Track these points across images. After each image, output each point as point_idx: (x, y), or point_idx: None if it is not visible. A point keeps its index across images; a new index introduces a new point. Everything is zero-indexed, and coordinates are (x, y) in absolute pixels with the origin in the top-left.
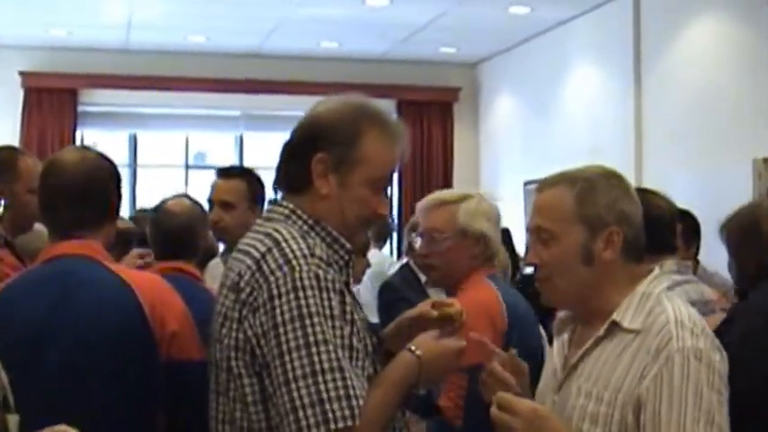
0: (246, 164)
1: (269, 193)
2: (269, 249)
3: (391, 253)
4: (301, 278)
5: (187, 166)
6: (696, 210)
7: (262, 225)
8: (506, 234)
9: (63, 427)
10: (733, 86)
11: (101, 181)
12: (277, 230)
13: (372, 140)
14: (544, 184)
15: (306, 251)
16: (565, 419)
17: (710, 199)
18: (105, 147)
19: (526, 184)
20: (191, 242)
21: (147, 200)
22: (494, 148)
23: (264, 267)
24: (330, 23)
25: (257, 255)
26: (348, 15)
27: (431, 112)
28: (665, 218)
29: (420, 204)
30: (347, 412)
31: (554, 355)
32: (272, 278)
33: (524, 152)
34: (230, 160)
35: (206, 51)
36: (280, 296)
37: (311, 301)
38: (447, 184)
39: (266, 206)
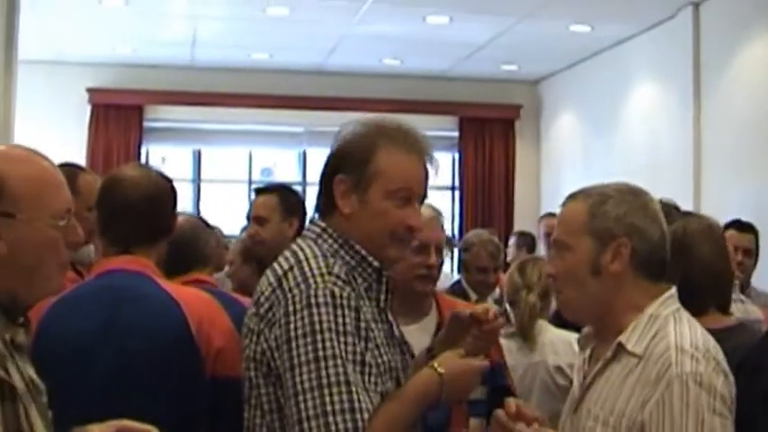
0: (309, 179)
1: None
2: (291, 267)
3: (451, 270)
4: (316, 295)
5: (250, 182)
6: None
7: (296, 243)
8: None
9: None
10: None
11: (160, 200)
12: (302, 249)
13: (386, 154)
14: (567, 199)
15: (324, 269)
16: None
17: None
18: (170, 162)
19: (567, 199)
20: (199, 252)
21: (210, 215)
22: (555, 164)
23: (284, 284)
24: (391, 41)
25: (280, 272)
26: (409, 33)
27: (492, 129)
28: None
29: None
30: (350, 425)
31: (575, 371)
32: (289, 295)
33: (585, 169)
34: (294, 176)
35: (269, 68)
36: (294, 312)
37: (324, 317)
38: (508, 200)
39: (306, 224)
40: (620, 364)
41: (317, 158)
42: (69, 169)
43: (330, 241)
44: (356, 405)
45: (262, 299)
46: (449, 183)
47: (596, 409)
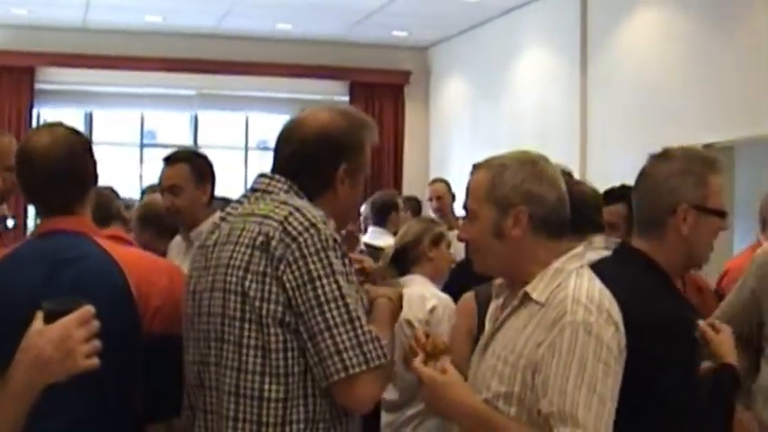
0: (201, 143)
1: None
2: (290, 213)
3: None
4: (327, 239)
5: (142, 145)
6: None
7: (263, 196)
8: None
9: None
10: (676, 74)
11: (78, 157)
12: (291, 199)
13: (368, 145)
14: (473, 169)
15: (324, 218)
16: (481, 376)
17: None
18: None
19: (474, 167)
20: (114, 209)
21: (103, 177)
22: (443, 130)
23: (290, 229)
24: (285, 5)
25: (279, 218)
26: None
27: (382, 95)
28: (587, 199)
29: None
30: (380, 352)
31: (488, 317)
32: (300, 238)
33: (473, 135)
34: (184, 139)
35: (162, 31)
36: (310, 255)
37: (335, 260)
38: (397, 165)
39: (256, 179)
40: (526, 311)
41: (209, 121)
42: None
43: (296, 197)
44: (376, 334)
45: (273, 242)
46: None
47: (500, 350)
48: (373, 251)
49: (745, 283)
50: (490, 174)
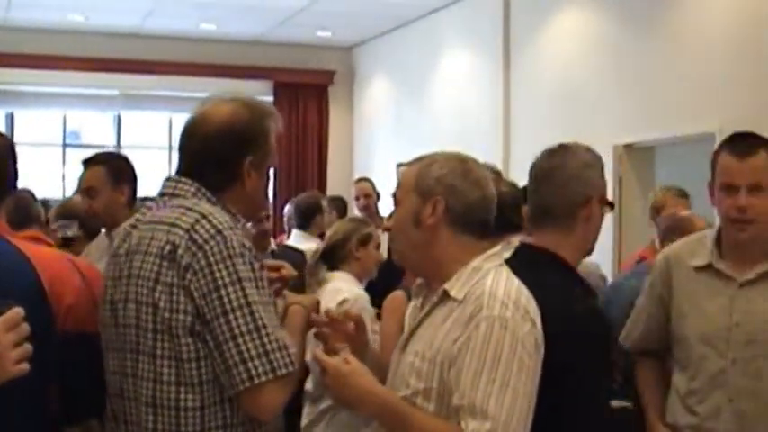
0: (124, 143)
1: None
2: (197, 220)
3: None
4: (233, 246)
5: (64, 145)
6: None
7: (171, 199)
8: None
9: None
10: (597, 75)
11: (2, 159)
12: (197, 205)
13: (272, 135)
14: (407, 163)
15: (231, 223)
16: (400, 374)
17: None
18: None
19: (398, 166)
20: (33, 211)
21: (24, 178)
22: (367, 130)
23: (196, 237)
24: (209, 5)
25: (186, 226)
26: None
27: (306, 95)
28: (505, 199)
29: None
30: (287, 359)
31: (407, 315)
32: (206, 246)
33: (397, 135)
34: (108, 139)
35: (85, 30)
36: (216, 263)
37: (242, 267)
38: (321, 164)
39: (164, 183)
40: (444, 308)
41: (132, 122)
42: None
43: (204, 200)
44: (286, 342)
45: (180, 251)
46: None
47: (419, 347)
48: (293, 253)
49: (654, 291)
50: (419, 166)
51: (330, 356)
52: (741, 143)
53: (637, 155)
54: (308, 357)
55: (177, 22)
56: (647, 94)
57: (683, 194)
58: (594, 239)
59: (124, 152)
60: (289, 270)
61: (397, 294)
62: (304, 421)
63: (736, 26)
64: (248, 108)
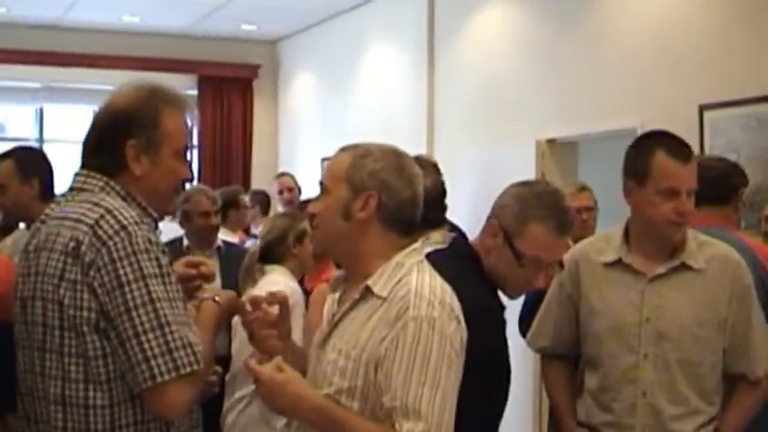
0: (47, 136)
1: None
2: (101, 216)
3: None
4: (138, 242)
5: None
6: (482, 187)
7: (78, 194)
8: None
9: None
10: (521, 70)
11: None
12: (103, 200)
13: (170, 116)
14: (338, 150)
15: (137, 218)
16: (321, 372)
17: (496, 177)
18: None
19: (323, 160)
20: None
21: None
22: (292, 124)
23: (100, 233)
24: None
25: (90, 221)
26: None
27: (231, 89)
28: (430, 196)
29: None
30: (192, 358)
31: (325, 310)
32: (110, 243)
33: (322, 129)
34: (30, 132)
35: (6, 22)
36: (120, 259)
37: (147, 263)
38: (246, 159)
39: (73, 177)
40: (367, 305)
41: (55, 115)
42: None
43: (113, 194)
44: (192, 339)
45: (83, 248)
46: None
47: (341, 344)
48: (238, 251)
49: (562, 291)
50: (352, 155)
51: (262, 365)
52: (679, 148)
53: (559, 150)
54: (236, 345)
55: (100, 14)
56: (569, 90)
57: (582, 188)
58: None
59: (47, 146)
60: (209, 267)
61: (324, 287)
62: (223, 410)
63: (656, 23)
64: (141, 90)
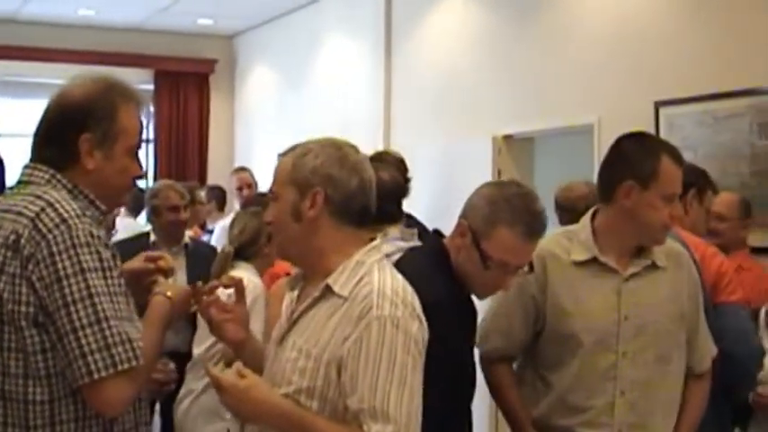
0: (2, 131)
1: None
2: (42, 209)
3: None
4: (78, 236)
5: None
6: (439, 183)
7: (25, 187)
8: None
9: None
10: (477, 65)
11: None
12: (47, 193)
13: (126, 113)
14: (280, 155)
15: (78, 212)
16: (280, 370)
17: (453, 172)
18: None
19: (280, 155)
20: None
21: None
22: (249, 120)
23: (41, 226)
24: None
25: (31, 214)
26: None
27: (187, 83)
28: (386, 190)
29: None
30: (131, 354)
31: (283, 308)
32: (50, 236)
33: (278, 124)
34: None
35: None
36: (59, 252)
37: (88, 256)
38: (202, 154)
39: (22, 170)
40: (327, 303)
41: (8, 109)
42: None
43: (59, 186)
44: (132, 335)
45: (22, 241)
46: (143, 136)
47: (301, 342)
48: (205, 248)
49: (524, 292)
50: (293, 157)
51: (223, 372)
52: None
53: (516, 146)
54: (197, 334)
55: (55, 7)
56: (526, 86)
57: None
58: None
59: (2, 140)
60: (167, 261)
61: (284, 281)
62: (177, 398)
63: (612, 20)
64: (96, 83)
